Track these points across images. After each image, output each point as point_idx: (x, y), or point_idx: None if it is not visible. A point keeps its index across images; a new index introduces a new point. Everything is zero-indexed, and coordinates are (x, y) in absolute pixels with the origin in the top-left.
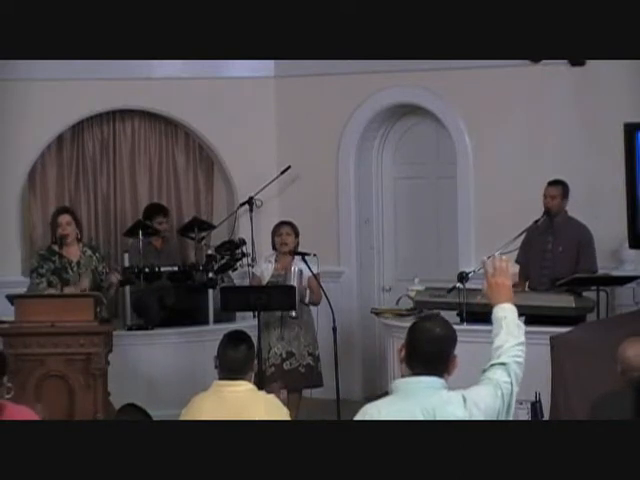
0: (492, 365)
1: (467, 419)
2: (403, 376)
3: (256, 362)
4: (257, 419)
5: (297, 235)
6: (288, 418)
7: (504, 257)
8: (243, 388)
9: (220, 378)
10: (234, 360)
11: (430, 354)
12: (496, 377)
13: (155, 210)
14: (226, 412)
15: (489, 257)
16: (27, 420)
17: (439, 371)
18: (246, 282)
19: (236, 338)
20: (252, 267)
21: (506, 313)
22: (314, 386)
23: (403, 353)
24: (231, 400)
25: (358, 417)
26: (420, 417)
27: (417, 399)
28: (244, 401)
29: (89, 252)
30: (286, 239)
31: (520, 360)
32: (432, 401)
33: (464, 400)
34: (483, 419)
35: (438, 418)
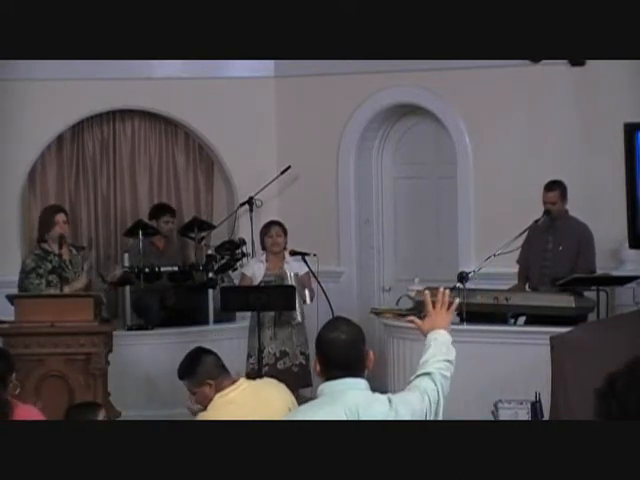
0: (417, 375)
1: (393, 418)
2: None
3: (255, 361)
4: (276, 405)
5: (286, 234)
6: (293, 398)
7: (447, 291)
8: (244, 385)
9: (217, 390)
10: (214, 359)
11: (344, 362)
12: (422, 384)
13: (162, 209)
14: (244, 411)
15: (426, 288)
16: (34, 420)
17: (359, 371)
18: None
19: (199, 349)
20: (240, 267)
21: (437, 336)
22: (306, 385)
23: (318, 368)
24: (242, 399)
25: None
26: (344, 417)
27: (340, 400)
28: (257, 392)
29: (74, 251)
30: (277, 239)
31: (446, 374)
32: (356, 401)
33: (389, 400)
34: (410, 419)
35: (362, 417)
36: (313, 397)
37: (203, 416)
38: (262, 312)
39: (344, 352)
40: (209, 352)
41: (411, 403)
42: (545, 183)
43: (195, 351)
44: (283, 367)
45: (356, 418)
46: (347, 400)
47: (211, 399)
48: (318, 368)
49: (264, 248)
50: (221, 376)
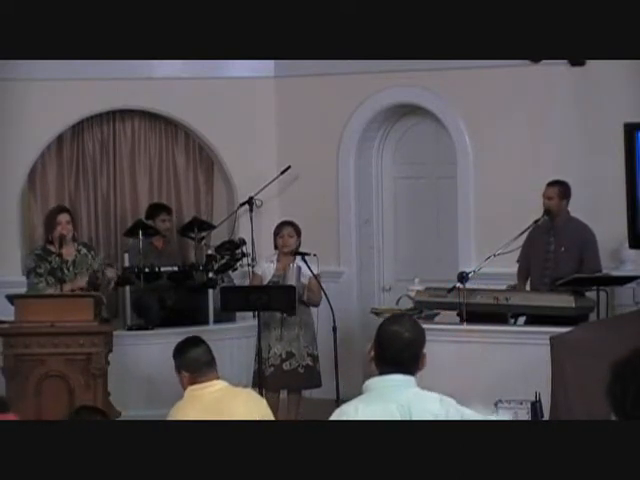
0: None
1: (443, 418)
2: (372, 376)
3: (256, 362)
4: (237, 415)
5: (299, 235)
6: (268, 410)
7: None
8: (218, 387)
9: (191, 383)
10: (202, 353)
11: (399, 357)
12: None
13: (158, 208)
14: (205, 413)
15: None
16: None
17: (410, 371)
18: (246, 282)
19: (190, 339)
20: (252, 267)
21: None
22: (314, 386)
23: (372, 354)
24: (208, 401)
25: (334, 418)
26: (396, 414)
27: (392, 396)
28: (221, 399)
29: (84, 250)
30: (288, 240)
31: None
32: (407, 397)
33: (440, 399)
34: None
35: (414, 414)
36: (324, 398)
37: (175, 406)
38: (262, 312)
39: (402, 348)
40: (197, 345)
41: (461, 410)
42: (547, 182)
43: (186, 340)
44: (289, 368)
45: (408, 415)
46: (399, 397)
47: (185, 389)
48: (372, 354)
49: (276, 247)
50: (198, 372)
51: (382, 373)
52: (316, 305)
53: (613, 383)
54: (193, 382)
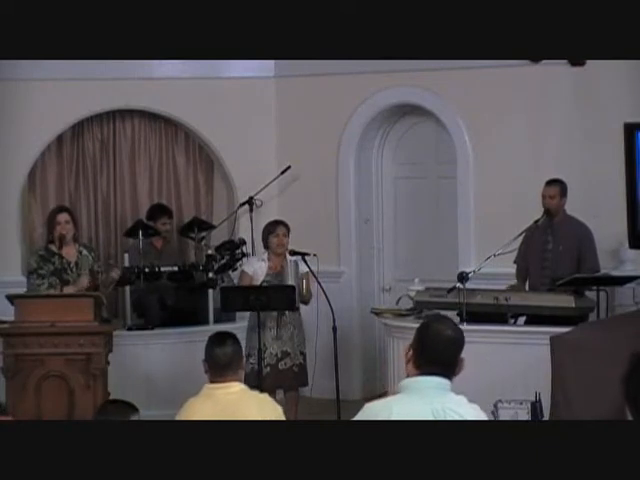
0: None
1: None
2: (409, 376)
3: (255, 361)
4: (251, 418)
5: (289, 234)
6: (282, 417)
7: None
8: (235, 389)
9: (211, 381)
10: (223, 356)
11: (441, 356)
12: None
13: (159, 211)
14: (219, 414)
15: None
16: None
17: (448, 373)
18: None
19: (221, 336)
20: (240, 267)
21: None
22: (304, 385)
23: (410, 353)
24: (224, 402)
25: (361, 416)
26: (431, 417)
27: (428, 399)
28: (237, 402)
29: (85, 252)
30: (283, 239)
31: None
32: (443, 401)
33: (473, 407)
34: None
35: (449, 419)
36: (324, 398)
37: (189, 400)
38: (262, 312)
39: (444, 346)
40: (222, 344)
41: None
42: (546, 181)
43: (216, 335)
44: (284, 367)
45: (443, 419)
46: (434, 399)
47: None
48: (410, 353)
49: (266, 247)
50: (215, 371)
51: (421, 373)
52: (306, 303)
53: (632, 374)
54: (212, 380)
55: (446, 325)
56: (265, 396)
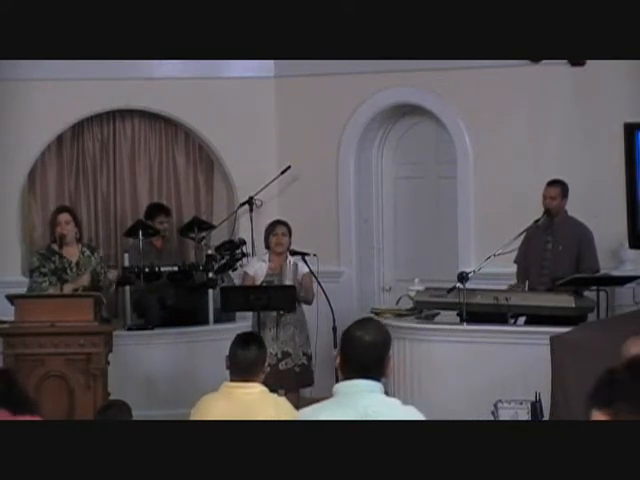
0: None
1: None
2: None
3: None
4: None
5: (291, 234)
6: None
7: None
8: (254, 390)
9: (231, 379)
10: (244, 359)
11: (363, 361)
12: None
13: (157, 209)
14: (235, 413)
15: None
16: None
17: (375, 375)
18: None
19: (246, 338)
20: (241, 267)
21: None
22: (308, 385)
23: (338, 360)
24: (241, 402)
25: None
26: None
27: (353, 402)
28: (254, 403)
29: (88, 252)
30: (281, 239)
31: None
32: (366, 404)
33: (403, 407)
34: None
35: (371, 419)
36: (324, 398)
37: (207, 394)
38: (263, 312)
39: (364, 352)
40: (245, 347)
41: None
42: (547, 181)
43: (240, 336)
44: (285, 368)
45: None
46: (358, 403)
47: None
48: (338, 360)
49: (267, 247)
50: (234, 371)
51: (347, 378)
52: (309, 303)
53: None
54: (232, 378)
55: (365, 330)
56: (283, 400)
